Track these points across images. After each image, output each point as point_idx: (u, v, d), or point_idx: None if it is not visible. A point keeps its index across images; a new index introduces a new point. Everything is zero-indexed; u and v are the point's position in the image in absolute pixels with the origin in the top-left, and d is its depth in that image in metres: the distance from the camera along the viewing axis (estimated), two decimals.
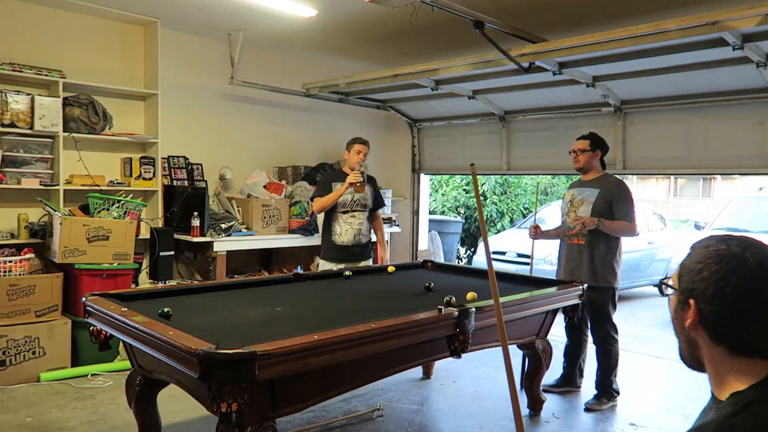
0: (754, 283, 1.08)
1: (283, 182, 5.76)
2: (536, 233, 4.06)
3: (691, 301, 1.13)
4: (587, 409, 3.73)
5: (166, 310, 2.57)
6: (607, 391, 3.82)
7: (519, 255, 7.18)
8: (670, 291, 1.22)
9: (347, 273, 3.89)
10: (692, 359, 1.18)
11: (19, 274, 4.04)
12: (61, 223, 4.12)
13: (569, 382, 4.05)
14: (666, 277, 1.33)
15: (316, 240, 5.55)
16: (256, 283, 3.63)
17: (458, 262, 8.64)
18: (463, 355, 2.76)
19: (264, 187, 5.49)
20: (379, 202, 4.52)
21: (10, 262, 4.03)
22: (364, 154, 4.33)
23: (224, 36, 5.38)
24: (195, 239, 4.85)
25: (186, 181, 5.26)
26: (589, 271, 3.75)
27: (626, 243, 3.96)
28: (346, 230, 4.30)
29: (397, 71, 4.95)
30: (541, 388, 3.64)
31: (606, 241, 3.76)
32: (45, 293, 4.07)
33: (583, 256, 3.79)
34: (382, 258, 4.69)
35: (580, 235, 3.80)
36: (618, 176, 4.16)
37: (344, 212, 4.31)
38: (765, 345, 1.08)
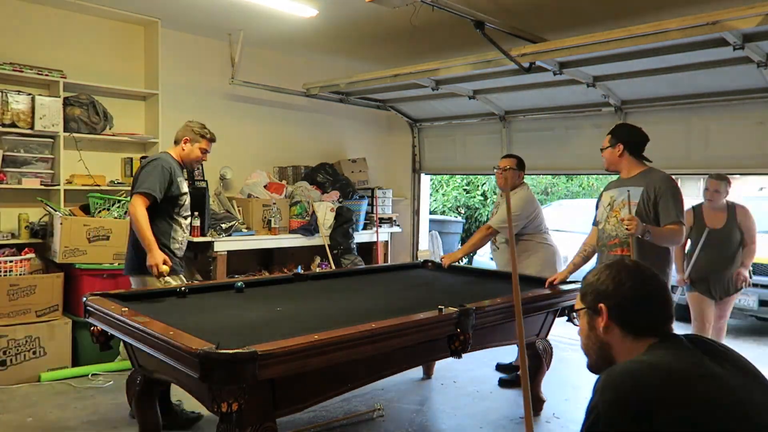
0: (638, 275, 1.41)
1: (284, 182, 5.76)
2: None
3: (601, 305, 1.39)
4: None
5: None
6: None
7: None
8: (578, 315, 1.49)
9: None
10: (604, 363, 1.41)
11: (20, 274, 4.04)
12: (61, 223, 4.12)
13: None
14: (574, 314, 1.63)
15: (317, 240, 5.56)
16: (256, 283, 3.63)
17: (458, 262, 8.63)
18: (463, 355, 2.76)
19: (264, 187, 5.49)
20: None
21: (11, 262, 4.03)
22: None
23: (225, 36, 5.38)
24: (195, 239, 4.84)
25: (186, 181, 5.24)
26: None
27: None
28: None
29: (397, 71, 4.95)
30: None
31: (657, 251, 3.07)
32: (45, 293, 4.07)
33: None
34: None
35: (624, 244, 3.05)
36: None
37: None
38: (657, 321, 1.37)
